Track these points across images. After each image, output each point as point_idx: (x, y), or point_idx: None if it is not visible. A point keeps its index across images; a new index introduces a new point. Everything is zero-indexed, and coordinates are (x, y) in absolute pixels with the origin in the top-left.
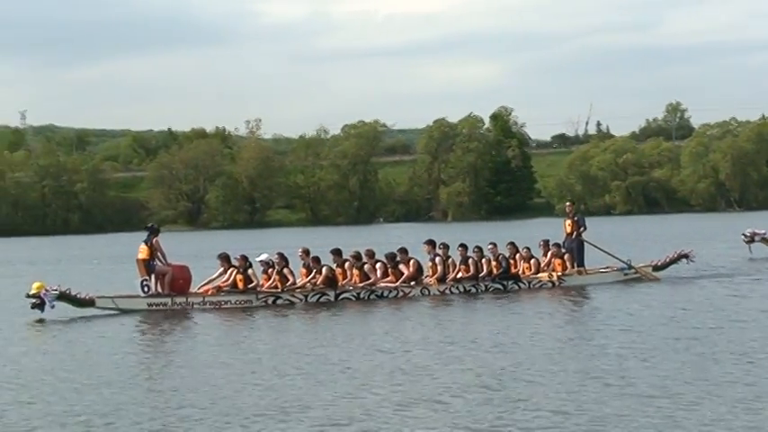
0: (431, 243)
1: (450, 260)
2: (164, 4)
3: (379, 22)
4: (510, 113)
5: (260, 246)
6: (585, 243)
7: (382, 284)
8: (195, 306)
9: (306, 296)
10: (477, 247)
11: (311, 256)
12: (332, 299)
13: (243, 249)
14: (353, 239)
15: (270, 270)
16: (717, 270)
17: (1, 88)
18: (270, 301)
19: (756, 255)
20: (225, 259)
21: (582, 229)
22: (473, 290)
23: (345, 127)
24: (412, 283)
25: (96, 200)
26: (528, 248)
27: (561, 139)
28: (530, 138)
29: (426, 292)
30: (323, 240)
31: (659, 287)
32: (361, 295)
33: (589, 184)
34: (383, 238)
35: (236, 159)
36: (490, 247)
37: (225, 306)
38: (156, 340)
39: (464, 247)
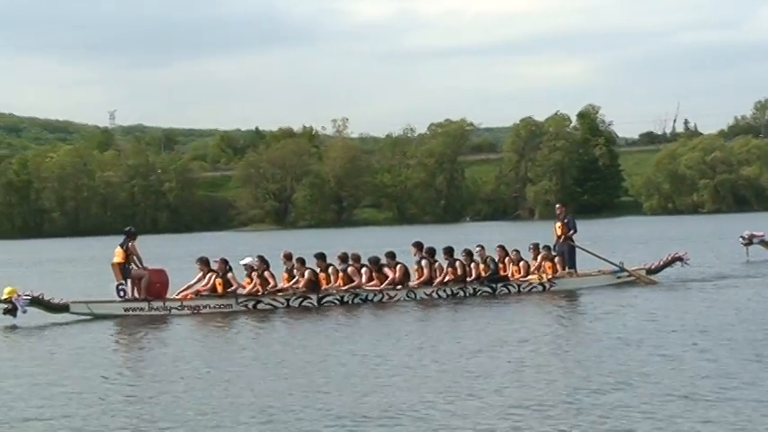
0: (418, 246)
1: (437, 263)
2: (252, 4)
3: (467, 20)
4: (597, 111)
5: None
6: (574, 245)
7: (367, 288)
8: (173, 311)
9: (287, 300)
10: (466, 249)
11: (296, 258)
12: (314, 303)
13: (329, 248)
14: (440, 238)
15: (252, 273)
16: (712, 273)
17: (91, 88)
18: (250, 306)
19: (753, 257)
20: (204, 263)
21: (572, 231)
22: (461, 293)
23: (432, 125)
24: (398, 286)
25: (184, 199)
26: (517, 251)
27: (649, 137)
28: (617, 136)
29: (412, 296)
30: (409, 239)
31: (652, 290)
32: (345, 299)
33: (677, 182)
34: (469, 236)
35: (324, 158)
36: (478, 249)
37: (203, 311)
38: (131, 346)
39: (449, 251)
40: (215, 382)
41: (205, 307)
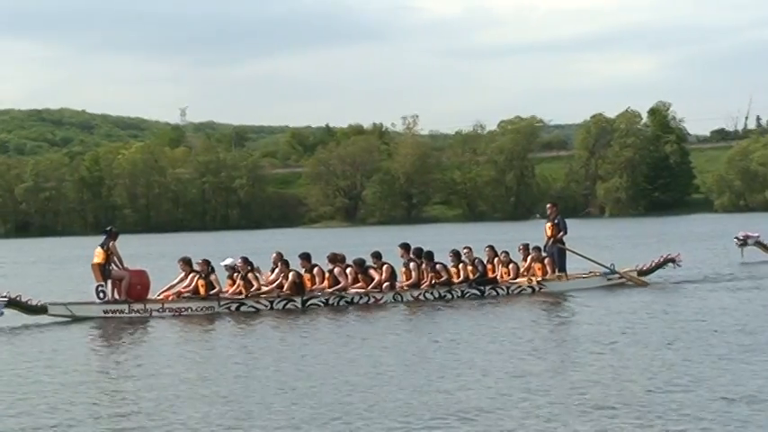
0: (405, 247)
1: (424, 265)
2: (325, 2)
3: (538, 17)
4: (668, 108)
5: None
6: (564, 248)
7: (352, 290)
8: (154, 313)
9: (271, 303)
10: (453, 251)
11: (281, 260)
12: (299, 305)
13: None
14: (509, 235)
15: (235, 275)
16: (706, 274)
17: (162, 85)
18: (233, 308)
19: (748, 259)
20: (186, 263)
21: (561, 233)
22: (448, 296)
23: (502, 122)
24: (384, 287)
25: (255, 196)
26: (506, 252)
27: (720, 134)
28: (688, 133)
29: (399, 299)
30: (479, 236)
31: (644, 292)
32: (330, 301)
33: (749, 179)
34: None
35: (393, 155)
36: (466, 251)
37: (185, 313)
38: (110, 349)
39: (428, 256)
40: (195, 388)
41: (187, 309)
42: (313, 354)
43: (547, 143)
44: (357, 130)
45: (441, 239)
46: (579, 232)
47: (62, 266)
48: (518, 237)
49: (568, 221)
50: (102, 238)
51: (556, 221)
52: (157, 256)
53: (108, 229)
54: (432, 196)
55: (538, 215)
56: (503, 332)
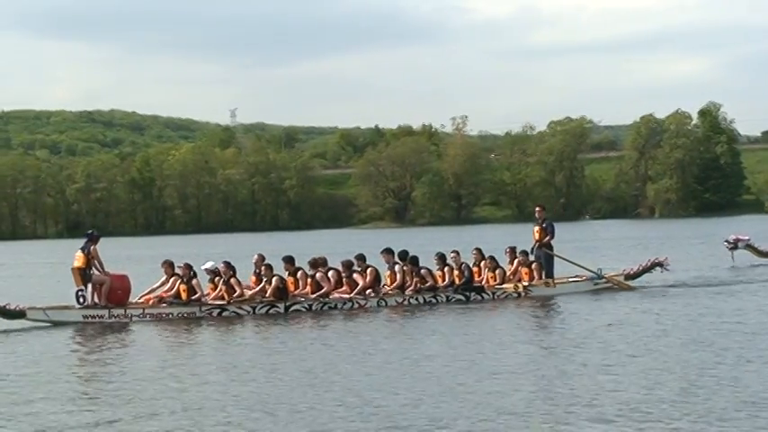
0: (389, 252)
1: (409, 269)
2: (375, 3)
3: (588, 17)
4: (719, 109)
5: (464, 243)
6: (550, 253)
7: (336, 295)
8: (134, 318)
9: (254, 308)
10: (439, 254)
11: (264, 264)
12: (281, 311)
13: (447, 246)
14: (558, 236)
15: (216, 279)
16: (694, 279)
17: (213, 86)
18: (215, 314)
19: (739, 263)
20: (169, 266)
21: (548, 237)
22: (433, 301)
23: (552, 123)
24: (368, 292)
25: (304, 196)
26: (493, 258)
27: None
28: (739, 133)
29: (383, 304)
30: (528, 237)
31: (632, 297)
32: (314, 307)
33: None
34: (589, 234)
35: (443, 156)
36: (453, 255)
37: (166, 318)
38: (89, 356)
39: (413, 261)
40: (174, 397)
41: (168, 314)
42: (298, 362)
43: (597, 144)
44: (406, 131)
45: (489, 240)
46: (629, 233)
47: (112, 267)
48: (568, 237)
49: (617, 222)
50: (83, 242)
51: (544, 225)
52: (205, 258)
53: (90, 232)
54: (481, 197)
55: (588, 216)
56: (487, 339)
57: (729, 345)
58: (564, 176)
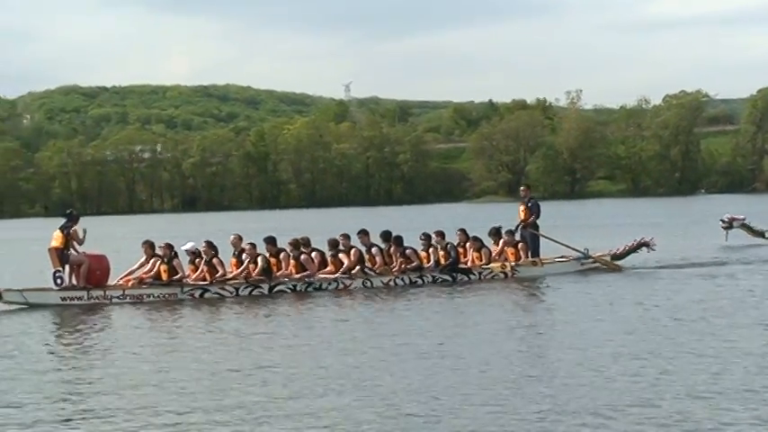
0: (365, 233)
1: (391, 249)
2: None
3: None
4: None
5: (579, 217)
6: (536, 233)
7: (321, 276)
8: (114, 300)
9: (237, 289)
10: (424, 234)
11: (247, 243)
12: (266, 292)
13: (561, 221)
14: (674, 210)
15: (197, 260)
16: (687, 258)
17: (327, 60)
18: (197, 295)
19: (732, 242)
20: (149, 247)
21: (533, 217)
22: (419, 281)
23: (667, 97)
24: (354, 272)
25: (418, 171)
26: (477, 237)
27: None
28: None
29: (369, 284)
30: (643, 211)
31: (616, 278)
32: (298, 288)
33: None
34: (704, 208)
35: (557, 130)
36: (437, 236)
37: (147, 300)
38: (68, 339)
39: (397, 241)
40: (157, 380)
41: (148, 296)
42: (283, 342)
43: (712, 118)
44: (521, 105)
45: (603, 214)
46: (744, 208)
47: (225, 241)
48: (682, 212)
49: (733, 197)
50: (62, 221)
51: (529, 204)
52: (323, 232)
53: (68, 211)
54: (595, 171)
55: (703, 190)
56: (475, 320)
57: (701, 326)
58: (679, 150)
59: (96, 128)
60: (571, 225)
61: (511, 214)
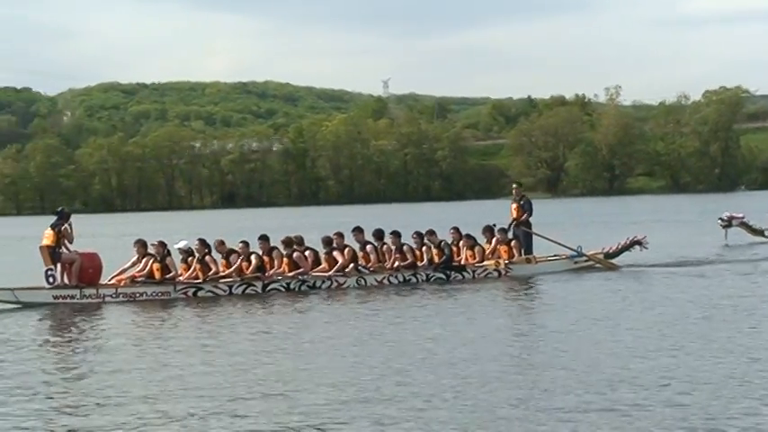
0: (360, 231)
1: (385, 247)
2: None
3: None
4: None
5: (617, 213)
6: (528, 231)
7: (314, 274)
8: (107, 298)
9: (230, 287)
10: (417, 232)
11: (240, 241)
12: (259, 290)
13: (599, 217)
14: (713, 207)
15: (190, 259)
16: (684, 257)
17: (366, 57)
18: (190, 293)
19: (732, 241)
20: (141, 245)
21: (525, 215)
22: (413, 279)
23: (707, 93)
24: (348, 270)
25: (457, 167)
26: (470, 236)
27: None
28: None
29: (363, 282)
30: (682, 207)
31: (609, 277)
32: (292, 286)
33: None
34: (743, 205)
35: (596, 127)
36: (429, 234)
37: (140, 298)
38: (61, 338)
39: (395, 233)
40: (154, 381)
41: (141, 294)
42: (278, 342)
43: (752, 114)
44: (559, 101)
45: (642, 210)
46: None
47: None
48: (721, 208)
49: None
50: (53, 219)
51: (521, 203)
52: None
53: (59, 209)
54: (635, 167)
55: (743, 187)
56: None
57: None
58: (719, 147)
59: (136, 124)
60: (609, 222)
61: (549, 211)
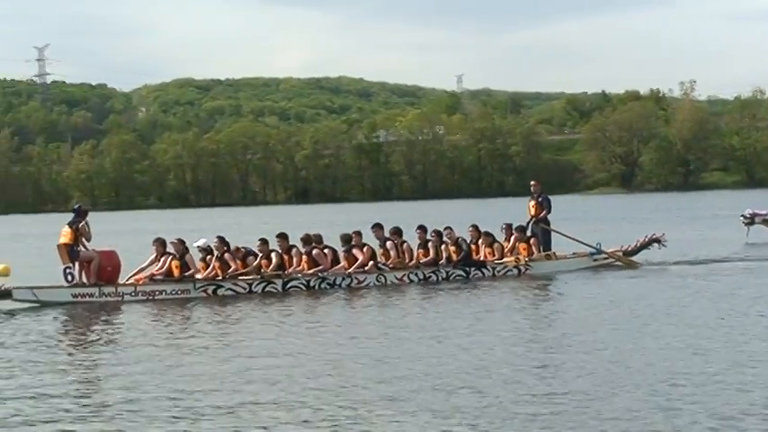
0: (380, 227)
1: (405, 245)
2: None
3: None
4: None
5: (692, 208)
6: (547, 228)
7: (334, 270)
8: (126, 297)
9: (250, 285)
10: (435, 231)
11: (260, 238)
12: (279, 288)
13: (673, 212)
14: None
15: (208, 258)
16: (705, 255)
17: (440, 52)
18: (210, 291)
19: (754, 239)
20: (160, 244)
21: (544, 212)
22: (433, 277)
23: None
24: (367, 268)
25: (530, 162)
26: (489, 233)
27: None
28: None
29: (383, 280)
30: (757, 202)
31: (630, 275)
32: (311, 284)
33: None
34: None
35: (671, 121)
36: (446, 231)
37: (159, 297)
38: (82, 337)
39: (423, 229)
40: (180, 380)
41: (161, 293)
42: (302, 340)
43: None
44: (634, 96)
45: (717, 206)
46: None
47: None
48: None
49: None
50: (70, 216)
51: (540, 200)
52: (434, 223)
53: (77, 206)
54: (709, 162)
55: None
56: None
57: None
58: None
59: (210, 120)
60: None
61: (625, 206)
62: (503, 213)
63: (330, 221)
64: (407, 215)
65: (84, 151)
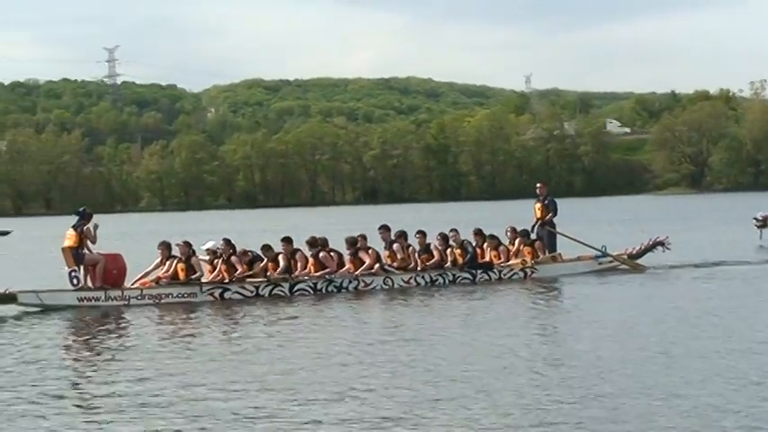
0: (386, 228)
1: (410, 248)
2: None
3: None
4: None
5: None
6: (553, 231)
7: (341, 273)
8: (132, 300)
9: (257, 288)
10: (441, 233)
11: (263, 245)
12: (286, 291)
13: (742, 212)
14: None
15: (215, 261)
16: (715, 258)
17: (508, 53)
18: (217, 294)
19: (766, 242)
20: (166, 247)
21: (550, 215)
22: (440, 280)
23: None
24: (374, 270)
25: (599, 162)
26: (494, 236)
27: None
28: None
29: (390, 283)
30: None
31: (635, 278)
32: (318, 287)
33: None
34: None
35: (741, 121)
36: (452, 234)
37: (165, 300)
38: (87, 341)
39: (423, 234)
40: (190, 386)
41: (167, 296)
42: (313, 345)
43: None
44: (703, 96)
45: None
46: None
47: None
48: None
49: None
50: (74, 220)
51: (546, 202)
52: (501, 224)
53: (81, 209)
54: None
55: None
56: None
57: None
58: None
59: (279, 121)
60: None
61: (693, 206)
62: (570, 214)
63: (398, 221)
64: (475, 216)
65: (154, 152)
